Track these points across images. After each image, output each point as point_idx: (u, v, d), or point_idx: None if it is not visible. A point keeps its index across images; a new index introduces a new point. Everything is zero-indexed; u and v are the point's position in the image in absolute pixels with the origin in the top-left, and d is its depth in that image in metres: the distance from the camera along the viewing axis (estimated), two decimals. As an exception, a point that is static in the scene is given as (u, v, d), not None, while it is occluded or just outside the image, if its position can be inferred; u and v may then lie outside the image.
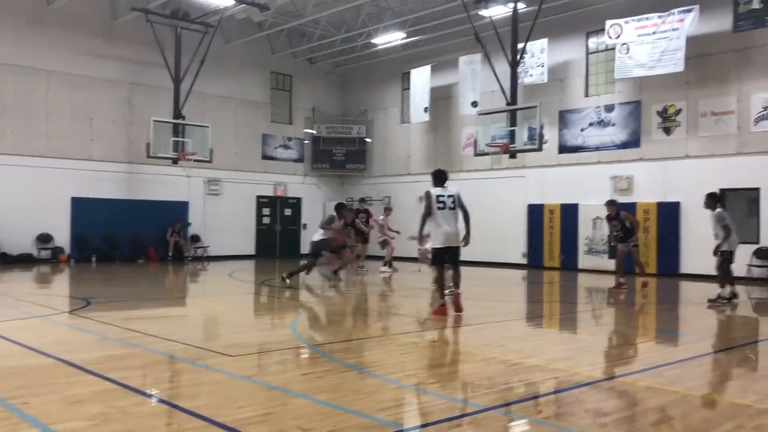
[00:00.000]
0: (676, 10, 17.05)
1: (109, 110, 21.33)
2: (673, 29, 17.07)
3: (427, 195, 9.37)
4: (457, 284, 9.66)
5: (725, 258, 11.55)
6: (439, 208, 9.28)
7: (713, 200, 11.65)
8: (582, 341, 8.36)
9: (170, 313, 10.31)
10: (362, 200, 19.99)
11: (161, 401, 4.95)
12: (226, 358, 6.46)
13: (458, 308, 9.45)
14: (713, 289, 14.71)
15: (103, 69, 21.13)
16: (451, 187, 9.61)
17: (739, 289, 14.55)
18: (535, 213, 20.61)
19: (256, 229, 24.82)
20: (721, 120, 17.16)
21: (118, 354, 6.65)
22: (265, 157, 25.17)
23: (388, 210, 18.58)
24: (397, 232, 17.54)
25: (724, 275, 11.61)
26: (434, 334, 8.49)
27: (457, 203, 9.45)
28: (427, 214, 9.35)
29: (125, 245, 21.40)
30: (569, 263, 19.82)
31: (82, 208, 20.55)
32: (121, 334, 7.72)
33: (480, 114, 19.06)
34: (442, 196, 9.34)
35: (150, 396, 5.08)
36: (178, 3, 20.58)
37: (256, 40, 23.85)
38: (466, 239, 9.57)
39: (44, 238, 20.02)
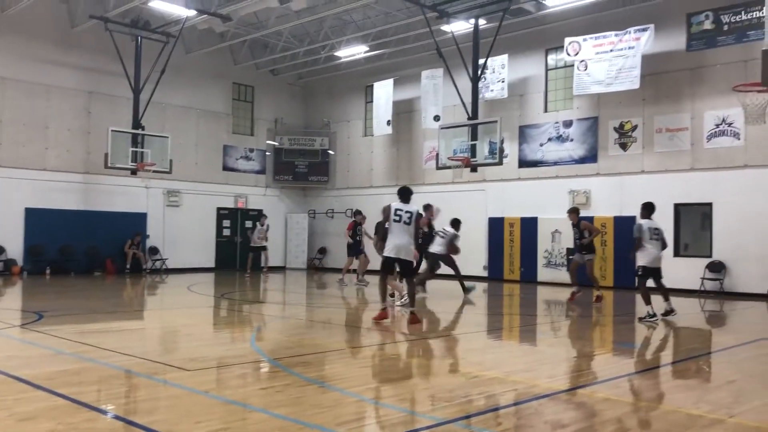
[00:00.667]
0: (632, 29, 17.49)
1: (66, 119, 20.90)
2: (630, 47, 17.50)
3: (387, 207, 9.97)
4: (411, 301, 10.13)
5: (641, 274, 11.39)
6: (395, 221, 9.87)
7: (646, 211, 11.76)
8: (541, 353, 8.45)
9: (126, 327, 10.11)
10: (358, 212, 18.70)
11: (116, 417, 4.84)
12: (184, 372, 6.35)
13: (414, 321, 9.86)
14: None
15: (60, 77, 20.72)
16: (413, 205, 10.00)
17: (693, 302, 14.94)
18: (496, 226, 20.81)
19: (216, 241, 24.51)
20: (676, 136, 17.62)
21: (72, 369, 6.49)
22: (226, 168, 24.93)
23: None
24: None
25: (642, 293, 11.36)
26: (395, 347, 8.49)
27: (413, 220, 9.86)
28: (383, 224, 10.13)
29: (81, 257, 20.92)
30: (528, 276, 20.05)
31: (36, 219, 20.03)
32: (74, 348, 7.54)
33: (442, 128, 19.22)
34: (400, 210, 9.88)
35: (104, 412, 4.97)
36: (139, 12, 20.33)
37: (217, 50, 23.68)
38: (418, 256, 10.19)
39: (-4, 250, 19.47)
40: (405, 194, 10.06)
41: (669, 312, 11.43)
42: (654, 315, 11.02)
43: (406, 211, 9.83)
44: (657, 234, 11.36)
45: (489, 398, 5.59)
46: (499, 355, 8.29)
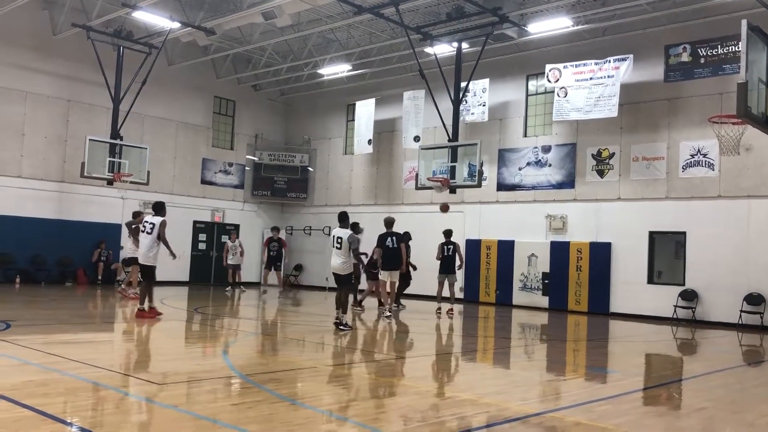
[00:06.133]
0: (612, 59, 17.80)
1: (43, 127, 20.66)
2: (609, 76, 17.79)
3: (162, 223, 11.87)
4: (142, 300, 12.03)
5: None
6: (141, 230, 12.01)
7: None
8: (514, 376, 8.45)
9: (95, 338, 9.93)
10: (275, 229, 20.76)
11: (82, 430, 4.73)
12: (153, 386, 6.25)
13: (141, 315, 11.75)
14: (640, 328, 15.20)
15: (39, 84, 20.51)
16: (154, 217, 11.87)
17: (665, 329, 15.09)
18: (473, 248, 20.86)
19: (191, 254, 24.27)
20: (652, 165, 17.87)
21: (38, 380, 6.35)
22: (204, 181, 24.78)
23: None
24: None
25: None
26: (368, 366, 8.44)
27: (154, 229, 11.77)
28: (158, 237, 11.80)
29: (53, 267, 20.58)
30: (504, 299, 20.10)
31: (8, 226, 19.66)
32: (41, 358, 7.38)
33: (422, 148, 19.28)
34: (147, 222, 11.98)
35: (69, 424, 4.86)
36: (122, 22, 20.24)
37: (200, 63, 23.64)
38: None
39: (-35, 257, 19.08)
40: (158, 208, 12.17)
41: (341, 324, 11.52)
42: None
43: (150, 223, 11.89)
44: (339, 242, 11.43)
45: (461, 420, 5.56)
46: (473, 376, 8.27)
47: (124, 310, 14.67)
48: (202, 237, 24.62)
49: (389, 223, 14.75)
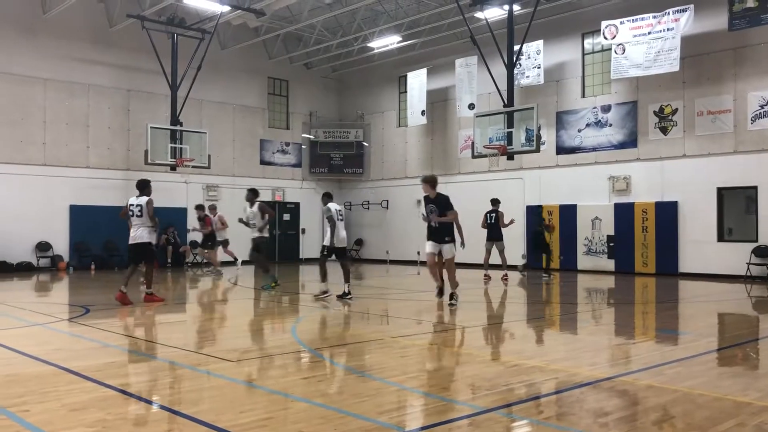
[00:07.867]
0: (670, 10, 17.11)
1: (106, 117, 21.34)
2: (668, 29, 17.12)
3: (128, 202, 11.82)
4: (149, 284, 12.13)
5: (325, 254, 12.34)
6: (130, 215, 11.73)
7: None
8: (582, 341, 8.36)
9: (169, 319, 10.30)
10: (199, 207, 19.08)
11: (162, 407, 4.94)
12: (227, 363, 6.46)
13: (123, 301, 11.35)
14: (711, 288, 14.77)
15: (99, 76, 21.15)
16: (139, 198, 11.63)
17: (738, 287, 14.61)
18: (534, 214, 20.56)
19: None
20: (718, 119, 17.20)
21: (118, 361, 6.65)
22: (263, 162, 25.19)
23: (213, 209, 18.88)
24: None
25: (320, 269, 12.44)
26: (433, 336, 8.50)
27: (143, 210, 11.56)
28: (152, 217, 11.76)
29: (124, 252, 21.25)
30: (568, 264, 19.83)
31: (80, 215, 20.54)
32: (120, 340, 7.72)
33: (477, 116, 19.06)
34: (132, 205, 11.68)
35: (150, 402, 5.08)
36: (174, 10, 20.59)
37: (252, 45, 23.88)
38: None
39: (43, 247, 20.00)
40: (141, 186, 11.73)
41: (346, 294, 11.92)
42: (327, 291, 11.94)
43: (136, 205, 11.61)
44: (341, 215, 12.29)
45: (530, 387, 5.56)
46: (539, 343, 8.23)
47: (194, 292, 15.14)
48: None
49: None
